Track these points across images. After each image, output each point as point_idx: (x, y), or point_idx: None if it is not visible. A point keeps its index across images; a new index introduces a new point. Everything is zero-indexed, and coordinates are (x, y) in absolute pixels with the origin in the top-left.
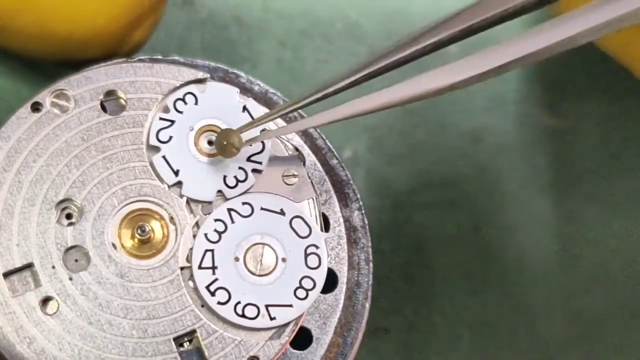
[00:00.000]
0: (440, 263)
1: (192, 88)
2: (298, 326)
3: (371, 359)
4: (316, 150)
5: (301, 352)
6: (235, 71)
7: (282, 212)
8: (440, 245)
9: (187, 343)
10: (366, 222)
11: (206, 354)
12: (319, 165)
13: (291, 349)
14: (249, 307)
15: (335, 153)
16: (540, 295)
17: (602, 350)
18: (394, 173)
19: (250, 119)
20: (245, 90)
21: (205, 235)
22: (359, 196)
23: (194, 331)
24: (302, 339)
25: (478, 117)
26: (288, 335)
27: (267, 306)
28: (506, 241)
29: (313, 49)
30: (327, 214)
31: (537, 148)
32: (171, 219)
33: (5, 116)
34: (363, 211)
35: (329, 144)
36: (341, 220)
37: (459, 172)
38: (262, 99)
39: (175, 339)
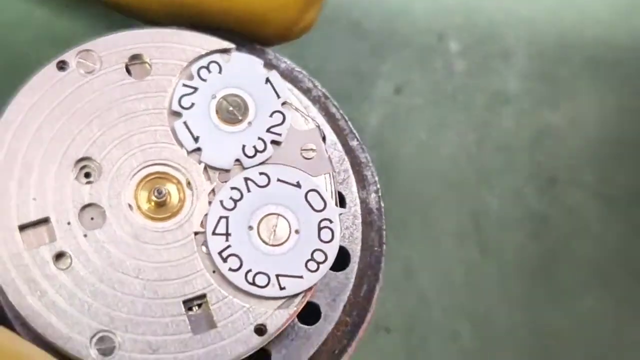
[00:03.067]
0: (442, 260)
1: (217, 57)
2: (307, 299)
3: (373, 358)
4: (338, 130)
5: (309, 327)
6: (261, 47)
7: (298, 185)
8: (441, 243)
9: (196, 307)
10: (382, 204)
11: (214, 318)
12: (339, 145)
13: (299, 323)
14: (259, 275)
15: (356, 135)
16: (541, 292)
17: (602, 349)
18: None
19: (272, 91)
20: (271, 67)
21: (221, 202)
22: (376, 179)
23: (203, 295)
24: (311, 314)
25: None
26: (296, 306)
27: (277, 276)
28: (507, 238)
29: (315, 47)
30: (344, 193)
31: (536, 145)
32: (188, 183)
33: (31, 73)
34: (380, 194)
35: (350, 125)
36: (357, 200)
37: (462, 170)
38: (288, 77)
39: (184, 302)
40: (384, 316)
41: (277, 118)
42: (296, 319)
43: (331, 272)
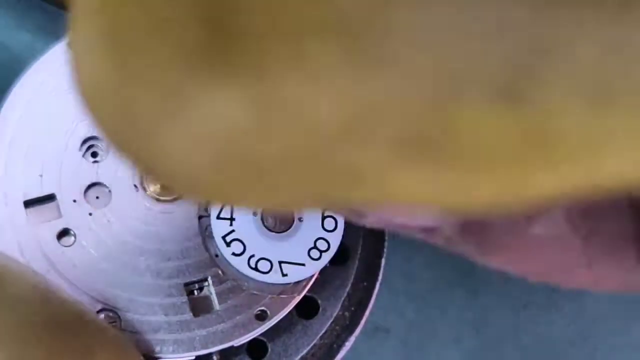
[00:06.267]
0: (440, 262)
1: None
2: (307, 288)
3: (371, 359)
4: None
5: (307, 321)
6: None
7: None
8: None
9: (198, 291)
10: None
11: (215, 302)
12: None
13: (297, 317)
14: (262, 261)
15: None
16: (542, 295)
17: (603, 350)
18: None
19: None
20: None
21: None
22: None
23: (205, 279)
24: (310, 308)
25: None
26: (297, 293)
27: (280, 262)
28: None
29: None
30: None
31: None
32: None
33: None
34: None
35: None
36: None
37: None
38: None
39: (186, 285)
40: (382, 317)
41: None
42: (295, 313)
43: (332, 266)
